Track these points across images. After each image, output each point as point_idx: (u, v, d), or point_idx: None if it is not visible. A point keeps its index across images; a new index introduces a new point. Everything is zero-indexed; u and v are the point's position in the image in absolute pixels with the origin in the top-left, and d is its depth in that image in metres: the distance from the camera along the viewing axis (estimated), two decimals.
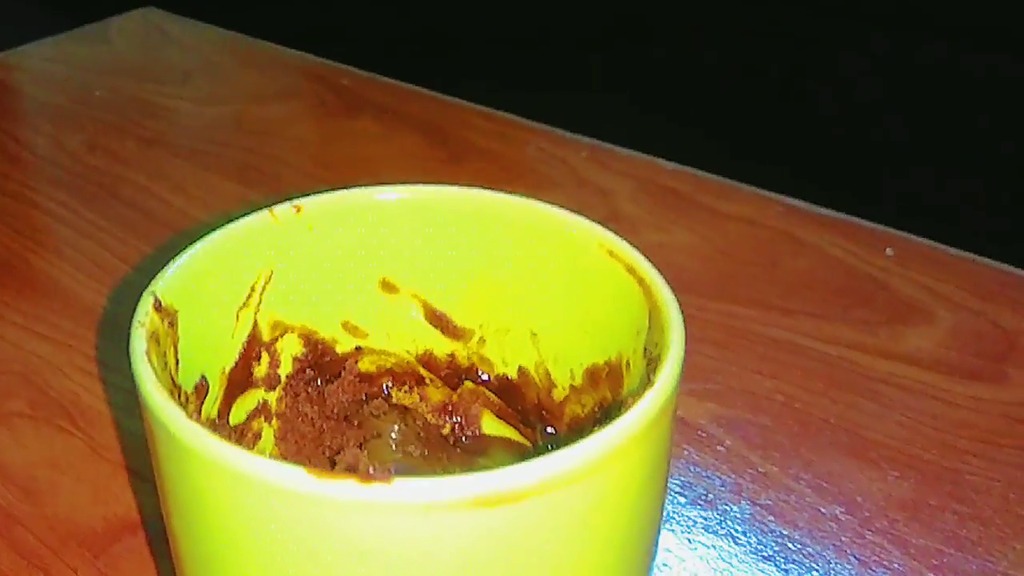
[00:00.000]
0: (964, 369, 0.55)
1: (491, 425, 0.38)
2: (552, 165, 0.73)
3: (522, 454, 0.37)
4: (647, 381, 0.27)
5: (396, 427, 0.36)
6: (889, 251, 0.64)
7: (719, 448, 0.49)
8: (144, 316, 0.29)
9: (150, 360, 0.27)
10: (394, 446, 0.36)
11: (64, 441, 0.49)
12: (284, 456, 0.36)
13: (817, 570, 0.43)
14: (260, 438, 0.35)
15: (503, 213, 0.35)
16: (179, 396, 0.30)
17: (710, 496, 0.47)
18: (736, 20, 1.72)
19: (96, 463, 0.47)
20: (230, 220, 0.34)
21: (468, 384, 0.38)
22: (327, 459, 0.36)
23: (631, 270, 0.31)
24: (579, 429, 0.35)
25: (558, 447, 0.36)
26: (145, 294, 0.30)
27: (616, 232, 0.63)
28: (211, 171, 0.72)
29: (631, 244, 0.33)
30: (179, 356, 0.30)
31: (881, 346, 0.57)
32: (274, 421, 0.36)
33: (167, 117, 0.81)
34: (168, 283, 0.30)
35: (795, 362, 0.56)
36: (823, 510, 0.46)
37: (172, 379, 0.29)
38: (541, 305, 0.35)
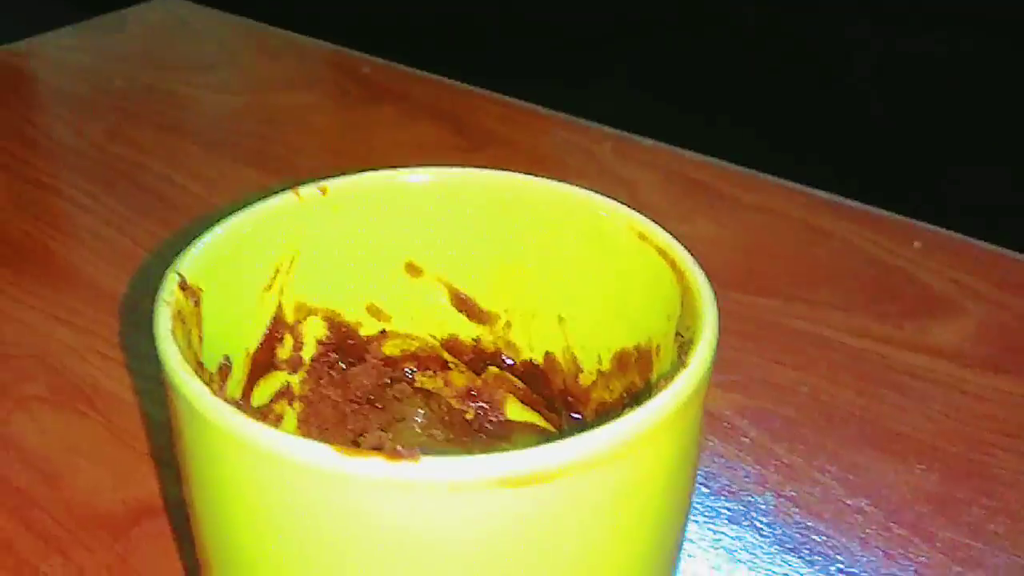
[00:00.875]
0: (991, 363, 0.54)
1: (516, 411, 0.38)
2: (574, 155, 0.72)
3: (547, 440, 0.37)
4: (680, 364, 0.26)
5: (420, 411, 0.36)
6: (917, 244, 0.63)
7: (744, 439, 0.49)
8: (169, 294, 0.28)
9: (175, 338, 0.27)
10: (419, 429, 0.35)
11: (83, 425, 0.48)
12: (307, 438, 0.35)
13: (842, 562, 0.43)
14: (282, 421, 0.35)
15: (531, 196, 0.34)
16: (203, 375, 0.29)
17: (734, 487, 0.46)
18: (763, 10, 1.71)
19: (115, 447, 0.47)
20: (254, 201, 0.33)
21: (493, 369, 0.37)
22: (350, 442, 0.36)
23: (663, 253, 0.31)
24: (606, 415, 0.34)
25: (584, 432, 0.36)
26: (170, 273, 0.29)
27: None
28: (230, 159, 0.71)
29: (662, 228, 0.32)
30: (203, 336, 0.30)
31: (908, 339, 0.56)
32: (296, 404, 0.35)
33: (186, 106, 0.81)
34: (193, 262, 0.30)
35: (820, 354, 0.55)
36: (848, 502, 0.46)
37: (197, 358, 0.29)
38: (569, 289, 0.35)
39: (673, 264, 0.30)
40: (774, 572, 0.42)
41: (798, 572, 0.42)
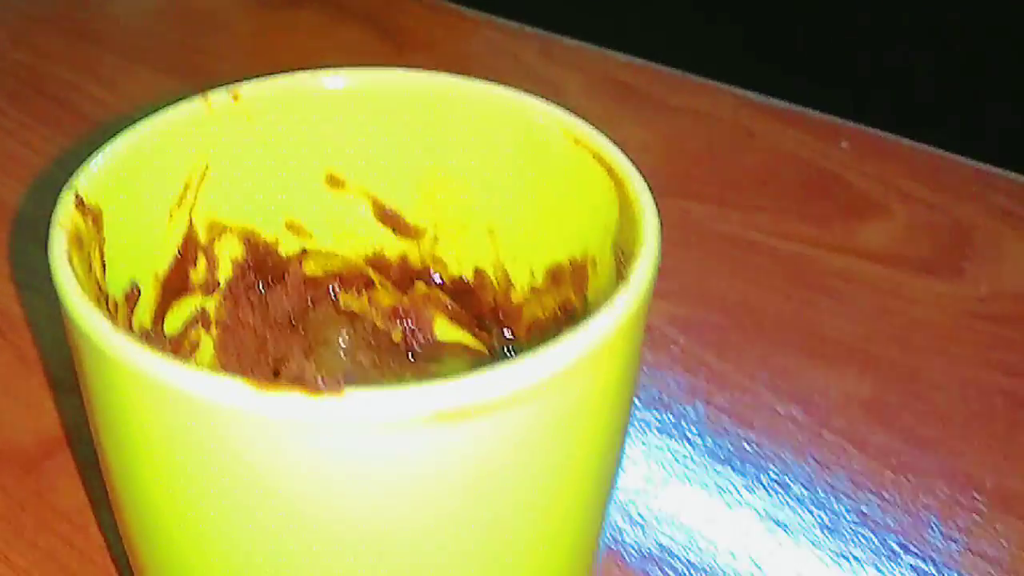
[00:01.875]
0: (921, 264, 0.54)
1: (445, 330, 0.36)
2: (501, 58, 0.70)
3: (477, 361, 0.35)
4: (619, 278, 0.25)
5: (344, 333, 0.34)
6: (844, 144, 0.63)
7: (673, 347, 0.48)
8: (64, 215, 0.26)
9: (71, 264, 0.24)
10: (343, 354, 0.34)
11: None
12: (225, 367, 0.34)
13: (774, 470, 0.43)
14: (198, 348, 0.33)
15: (459, 99, 0.32)
16: (107, 304, 0.28)
17: (664, 398, 0.46)
18: None
19: (26, 376, 0.45)
20: (158, 109, 0.31)
21: (420, 286, 0.35)
22: (271, 370, 0.34)
23: (599, 159, 0.29)
24: (540, 332, 0.33)
25: (517, 352, 0.34)
26: (65, 191, 0.27)
27: None
28: (143, 65, 0.68)
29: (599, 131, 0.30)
30: (105, 260, 0.28)
31: (837, 241, 0.56)
32: (213, 329, 0.33)
33: (96, 9, 0.77)
34: (91, 179, 0.27)
35: (750, 259, 0.54)
36: (780, 410, 0.46)
37: (98, 285, 0.27)
38: (500, 200, 0.33)
39: (610, 171, 0.28)
40: (707, 483, 0.42)
41: (730, 482, 0.42)
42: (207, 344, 0.33)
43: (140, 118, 0.30)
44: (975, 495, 0.42)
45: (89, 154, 0.29)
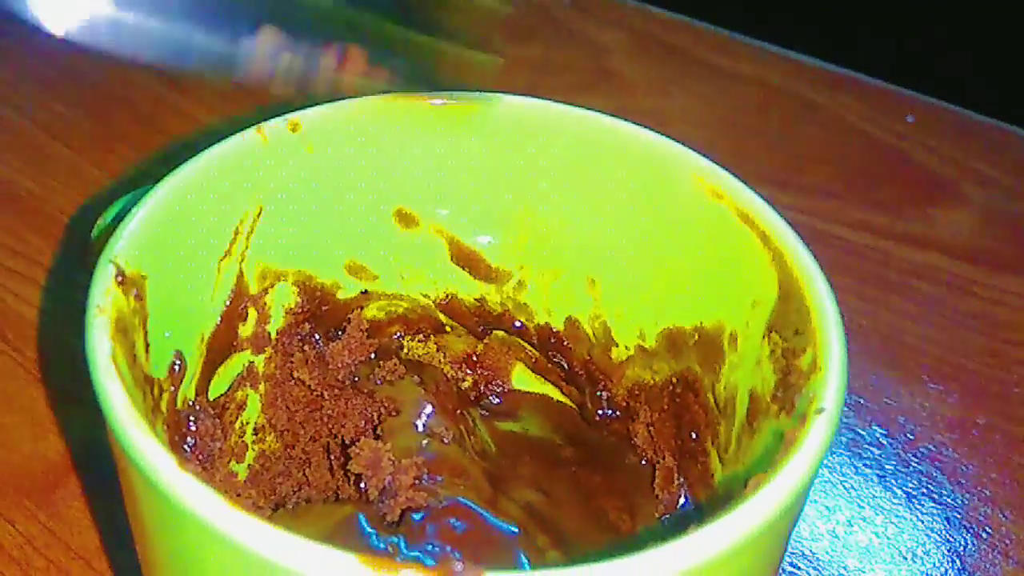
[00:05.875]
0: (1000, 259, 0.50)
1: (524, 380, 0.31)
2: (531, 14, 0.64)
3: (561, 416, 0.31)
4: (783, 384, 0.20)
5: (421, 399, 0.29)
6: (910, 117, 0.58)
7: None
8: (105, 297, 0.21)
9: (117, 367, 0.19)
10: (420, 428, 0.28)
11: None
12: (274, 424, 0.29)
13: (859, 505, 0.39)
14: (244, 409, 0.28)
15: (560, 129, 0.27)
16: (152, 390, 0.23)
17: None
18: None
19: (29, 387, 0.40)
20: (209, 143, 0.25)
21: (499, 334, 0.31)
22: (328, 434, 0.29)
23: (747, 220, 0.24)
24: (646, 398, 0.28)
25: (614, 413, 0.29)
26: (103, 262, 0.22)
27: (608, 95, 0.56)
28: None
29: (731, 173, 0.25)
30: (149, 339, 0.23)
31: (910, 232, 0.51)
32: (261, 385, 0.28)
33: None
34: (132, 244, 0.22)
35: (818, 252, 0.49)
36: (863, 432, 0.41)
37: (144, 376, 0.22)
38: (607, 249, 0.28)
39: (765, 238, 0.23)
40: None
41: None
42: (254, 402, 0.28)
43: (179, 154, 0.25)
44: None
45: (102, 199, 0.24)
